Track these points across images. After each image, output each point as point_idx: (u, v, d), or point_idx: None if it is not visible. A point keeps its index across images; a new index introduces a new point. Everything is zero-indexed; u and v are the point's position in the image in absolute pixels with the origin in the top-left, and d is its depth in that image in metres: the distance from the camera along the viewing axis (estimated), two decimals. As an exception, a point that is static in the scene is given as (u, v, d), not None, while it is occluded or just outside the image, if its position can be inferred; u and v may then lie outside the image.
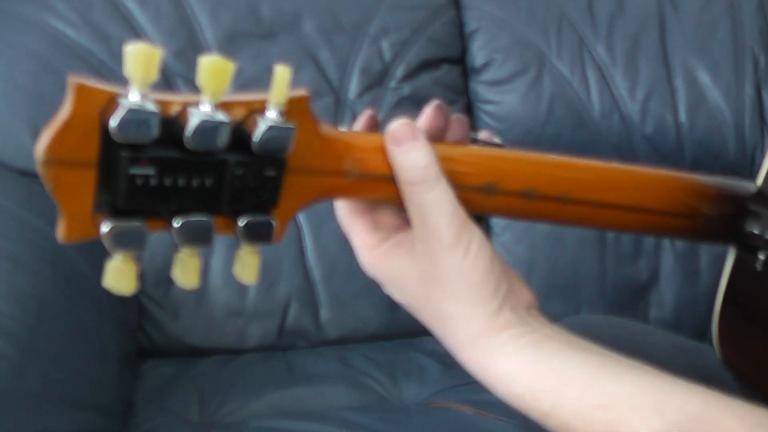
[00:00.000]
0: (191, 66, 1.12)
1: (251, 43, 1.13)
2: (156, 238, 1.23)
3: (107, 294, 1.06)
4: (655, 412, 0.40)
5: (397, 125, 0.44)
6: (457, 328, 0.44)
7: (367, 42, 1.19)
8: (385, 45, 1.20)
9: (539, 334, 0.44)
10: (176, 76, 1.11)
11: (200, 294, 1.11)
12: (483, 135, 0.52)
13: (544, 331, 0.45)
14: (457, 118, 0.50)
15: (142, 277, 1.10)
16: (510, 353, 0.43)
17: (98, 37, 1.08)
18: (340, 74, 1.18)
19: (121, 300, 1.04)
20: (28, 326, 0.75)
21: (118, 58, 1.07)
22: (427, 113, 0.48)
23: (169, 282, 1.11)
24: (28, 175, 1.05)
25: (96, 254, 1.02)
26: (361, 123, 0.49)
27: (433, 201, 0.44)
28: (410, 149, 0.44)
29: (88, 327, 0.90)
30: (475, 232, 0.44)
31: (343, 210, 0.49)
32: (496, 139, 0.52)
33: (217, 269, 1.12)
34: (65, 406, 0.77)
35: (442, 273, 0.44)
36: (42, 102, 1.05)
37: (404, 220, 0.48)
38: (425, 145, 0.44)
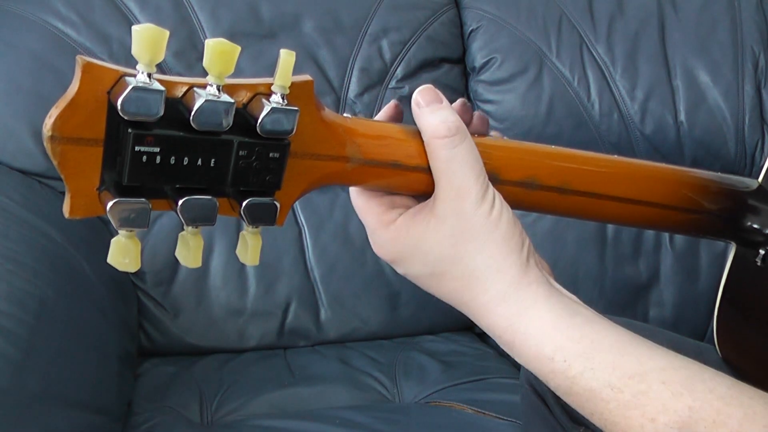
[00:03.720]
0: (191, 66, 1.13)
1: (251, 43, 1.13)
2: (156, 239, 1.22)
3: (107, 294, 1.06)
4: (686, 388, 0.40)
5: (422, 89, 0.46)
6: (489, 280, 0.45)
7: (367, 42, 1.19)
8: (385, 45, 1.20)
9: (569, 299, 0.45)
10: (176, 75, 1.10)
11: (200, 294, 1.11)
12: (494, 134, 0.53)
13: (573, 298, 0.46)
14: (479, 115, 0.52)
15: (142, 277, 1.10)
16: (544, 310, 0.44)
17: (98, 37, 1.08)
18: (340, 74, 1.18)
19: (121, 300, 1.04)
20: (28, 326, 0.75)
21: (118, 58, 1.07)
22: (455, 108, 0.49)
23: (169, 282, 1.11)
24: (28, 174, 1.05)
25: (96, 254, 1.02)
26: (384, 111, 0.51)
27: (463, 154, 0.45)
28: (438, 108, 0.46)
29: (88, 327, 0.90)
30: (494, 189, 0.46)
31: (358, 192, 0.50)
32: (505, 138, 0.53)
33: (217, 269, 1.12)
34: (65, 406, 0.77)
35: (471, 226, 0.45)
36: (42, 102, 1.04)
37: (417, 201, 0.49)
38: (449, 105, 0.46)
